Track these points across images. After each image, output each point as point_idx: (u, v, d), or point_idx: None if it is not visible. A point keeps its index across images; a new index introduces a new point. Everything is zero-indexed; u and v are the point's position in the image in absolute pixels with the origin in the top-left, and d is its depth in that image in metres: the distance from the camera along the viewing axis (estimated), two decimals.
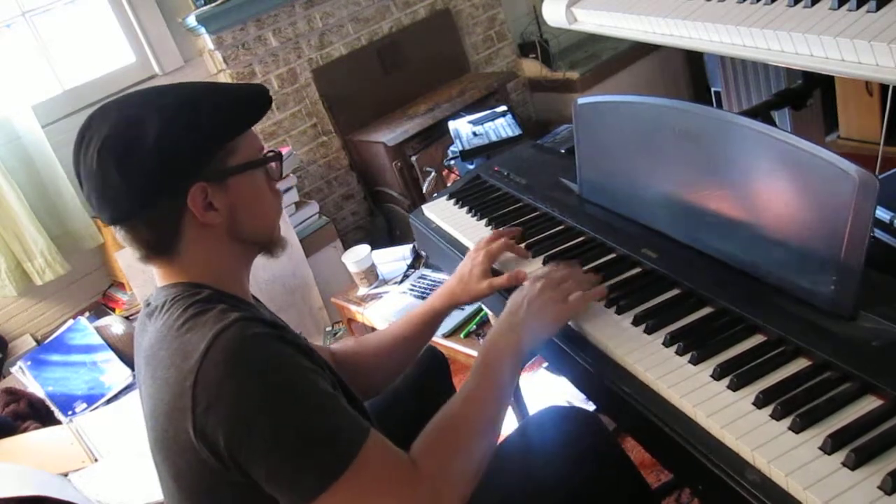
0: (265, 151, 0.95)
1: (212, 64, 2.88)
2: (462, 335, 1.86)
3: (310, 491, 0.76)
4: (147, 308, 0.92)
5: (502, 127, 2.06)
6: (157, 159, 0.83)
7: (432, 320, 1.20)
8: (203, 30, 2.73)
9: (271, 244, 0.99)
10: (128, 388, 2.24)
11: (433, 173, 2.72)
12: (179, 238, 0.88)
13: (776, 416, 0.74)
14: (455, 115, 2.39)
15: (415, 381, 1.30)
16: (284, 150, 2.72)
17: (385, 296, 2.23)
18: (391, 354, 1.20)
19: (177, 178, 0.85)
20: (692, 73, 3.56)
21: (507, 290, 1.15)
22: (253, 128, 0.94)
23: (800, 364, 0.81)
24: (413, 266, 2.30)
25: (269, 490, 0.78)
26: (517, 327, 0.97)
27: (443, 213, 1.48)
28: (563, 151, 1.60)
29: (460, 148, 2.01)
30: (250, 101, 0.93)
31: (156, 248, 0.89)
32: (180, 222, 0.87)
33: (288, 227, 2.54)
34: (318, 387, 0.80)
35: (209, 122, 0.87)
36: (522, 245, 1.23)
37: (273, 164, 0.96)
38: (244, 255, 0.97)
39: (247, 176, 0.91)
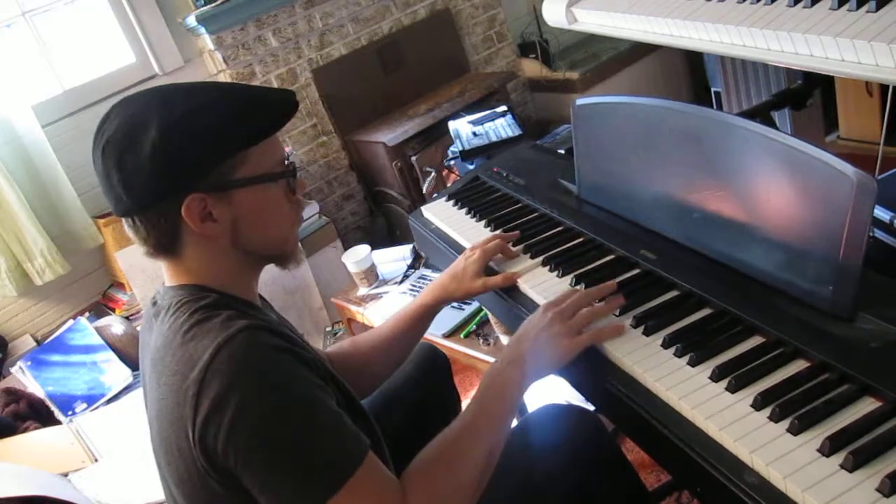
0: (288, 163, 0.90)
1: (212, 64, 2.88)
2: (462, 335, 1.86)
3: None
4: (154, 307, 0.91)
5: (502, 127, 2.06)
6: (151, 165, 0.81)
7: (425, 316, 1.20)
8: (203, 30, 2.73)
9: (282, 258, 0.95)
10: (128, 388, 2.24)
11: (433, 173, 2.72)
12: (179, 242, 0.87)
13: (775, 418, 0.74)
14: (455, 115, 2.38)
15: (416, 382, 1.30)
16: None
17: (385, 296, 2.22)
18: (386, 352, 1.19)
19: (169, 187, 0.83)
20: (692, 73, 3.56)
21: (501, 289, 1.16)
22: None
23: (798, 365, 0.81)
24: (413, 266, 2.30)
25: (263, 501, 0.77)
26: (523, 359, 0.94)
27: (442, 215, 1.48)
28: (562, 152, 1.60)
29: (460, 148, 2.01)
30: (264, 112, 0.87)
31: (157, 247, 0.88)
32: (178, 228, 0.86)
33: None
34: (322, 404, 0.79)
35: (211, 133, 0.83)
36: (521, 246, 1.23)
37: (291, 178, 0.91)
38: (250, 265, 0.93)
39: (257, 189, 0.87)
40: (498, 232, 1.26)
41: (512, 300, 1.14)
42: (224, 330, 0.79)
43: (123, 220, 0.88)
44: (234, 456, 0.75)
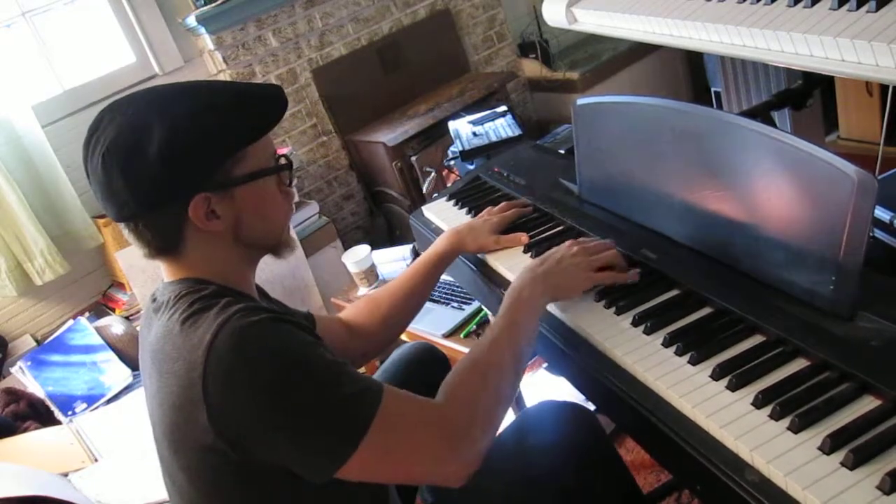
0: (277, 156, 0.93)
1: (212, 64, 2.88)
2: (462, 335, 1.86)
3: (342, 452, 0.77)
4: (153, 303, 0.92)
5: (502, 127, 2.06)
6: (159, 169, 0.82)
7: (439, 264, 1.25)
8: (203, 30, 2.73)
9: (279, 246, 0.99)
10: (128, 388, 2.24)
11: (433, 173, 2.72)
12: (182, 240, 0.89)
13: (775, 416, 0.74)
14: (455, 115, 2.38)
15: (416, 381, 1.30)
16: (284, 151, 2.72)
17: None
18: (403, 304, 1.24)
19: (178, 189, 0.84)
20: (692, 73, 3.56)
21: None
22: None
23: (799, 364, 0.81)
24: None
25: (296, 468, 0.79)
26: (542, 277, 1.00)
27: (442, 214, 1.48)
28: (562, 152, 1.60)
29: (460, 148, 2.01)
30: (262, 110, 0.90)
31: (158, 248, 0.89)
32: (182, 227, 0.87)
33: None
34: (324, 357, 0.81)
35: (215, 134, 0.85)
36: (522, 245, 1.23)
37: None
38: (249, 257, 0.96)
39: (256, 184, 0.89)
40: (511, 202, 1.33)
41: None
42: (222, 314, 0.80)
43: (123, 224, 0.89)
44: (258, 430, 0.77)
